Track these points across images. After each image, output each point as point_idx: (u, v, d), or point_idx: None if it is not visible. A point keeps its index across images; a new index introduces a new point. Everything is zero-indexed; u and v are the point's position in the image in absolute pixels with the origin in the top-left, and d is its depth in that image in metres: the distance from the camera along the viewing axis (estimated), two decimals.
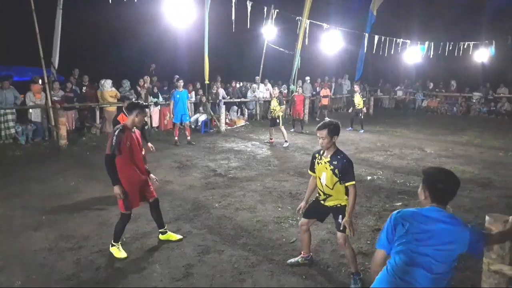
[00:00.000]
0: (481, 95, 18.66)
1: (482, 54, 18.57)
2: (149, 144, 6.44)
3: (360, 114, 13.50)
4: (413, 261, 2.18)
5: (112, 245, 4.35)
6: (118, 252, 4.30)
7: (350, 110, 14.64)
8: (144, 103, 4.69)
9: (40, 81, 10.84)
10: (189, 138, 10.83)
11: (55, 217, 5.42)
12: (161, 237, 4.72)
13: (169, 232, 4.76)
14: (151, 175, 4.59)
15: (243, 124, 14.58)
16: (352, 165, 3.66)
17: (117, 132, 4.12)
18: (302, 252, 4.19)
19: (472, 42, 18.55)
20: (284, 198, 6.35)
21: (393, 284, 2.18)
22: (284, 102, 12.23)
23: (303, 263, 4.14)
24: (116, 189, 4.13)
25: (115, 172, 4.14)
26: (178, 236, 4.74)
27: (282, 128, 10.77)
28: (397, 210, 2.38)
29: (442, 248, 2.18)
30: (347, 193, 3.68)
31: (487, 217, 2.74)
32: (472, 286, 3.66)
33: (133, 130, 4.30)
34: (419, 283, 2.16)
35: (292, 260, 4.19)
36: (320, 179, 3.77)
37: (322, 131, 3.59)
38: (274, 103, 10.98)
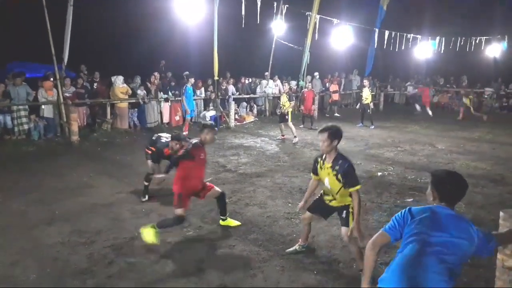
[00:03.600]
0: (493, 90, 18.39)
1: (494, 49, 18.31)
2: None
3: (368, 110, 13.37)
4: (425, 251, 2.20)
5: (153, 227, 4.35)
6: (153, 235, 4.28)
7: (357, 106, 14.52)
8: (213, 123, 5.16)
9: (52, 78, 10.96)
10: (186, 133, 10.91)
11: (68, 211, 5.49)
12: (221, 222, 5.06)
13: (228, 219, 5.08)
14: (206, 181, 4.94)
15: (252, 120, 14.58)
16: (354, 169, 3.63)
17: (194, 142, 4.62)
18: (299, 240, 4.29)
19: (484, 37, 18.29)
20: (294, 194, 6.35)
21: (405, 276, 2.18)
22: (294, 98, 12.18)
23: (300, 251, 4.26)
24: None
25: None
26: (237, 223, 5.07)
27: (291, 124, 10.74)
28: (409, 207, 2.44)
29: (452, 240, 2.21)
30: (352, 196, 3.68)
31: (501, 213, 2.72)
32: (486, 283, 3.63)
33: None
34: (430, 272, 2.16)
35: (291, 249, 4.30)
36: (324, 183, 3.79)
37: (323, 134, 3.60)
38: (284, 99, 10.96)
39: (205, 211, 5.53)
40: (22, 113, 10.05)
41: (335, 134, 3.59)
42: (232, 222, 5.06)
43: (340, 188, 3.65)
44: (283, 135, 11.06)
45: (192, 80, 10.75)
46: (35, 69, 13.16)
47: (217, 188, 4.95)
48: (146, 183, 5.97)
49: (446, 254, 2.18)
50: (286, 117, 10.78)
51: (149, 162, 6.04)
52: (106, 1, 12.38)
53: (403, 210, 2.44)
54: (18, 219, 5.25)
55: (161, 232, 4.41)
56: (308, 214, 4.07)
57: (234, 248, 4.42)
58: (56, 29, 10.13)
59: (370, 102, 13.44)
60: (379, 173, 7.60)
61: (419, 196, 6.21)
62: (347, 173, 3.57)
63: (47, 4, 9.70)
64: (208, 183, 4.89)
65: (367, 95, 13.30)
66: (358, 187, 3.57)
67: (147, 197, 5.96)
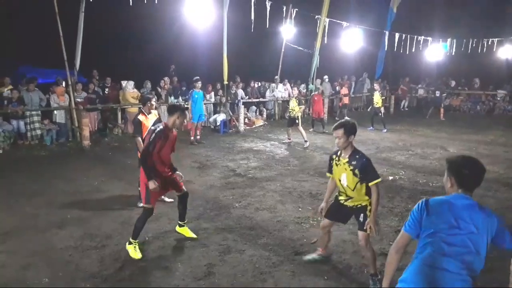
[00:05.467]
0: (505, 92, 18.15)
1: (506, 51, 18.06)
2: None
3: (380, 114, 13.29)
4: (443, 251, 2.16)
5: (130, 243, 4.39)
6: (134, 252, 4.34)
7: (369, 109, 14.43)
8: (184, 106, 5.05)
9: (63, 83, 11.12)
10: (198, 137, 10.97)
11: (80, 215, 5.54)
12: (177, 229, 4.89)
13: (186, 227, 4.87)
14: (177, 172, 4.71)
15: (262, 124, 14.58)
16: (371, 163, 3.59)
17: (157, 130, 4.32)
18: (320, 249, 4.21)
19: (497, 39, 18.05)
20: (304, 198, 6.32)
21: (425, 276, 2.16)
22: (303, 102, 12.14)
23: (320, 260, 4.17)
24: (151, 184, 4.25)
25: (150, 168, 4.29)
26: (193, 235, 4.81)
27: (301, 128, 10.71)
28: (425, 198, 2.36)
29: (471, 236, 2.16)
30: (367, 193, 3.64)
31: None
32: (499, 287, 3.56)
33: (172, 130, 4.55)
34: (450, 273, 2.12)
35: (309, 257, 4.23)
36: (340, 180, 3.74)
37: (338, 130, 3.56)
38: (293, 103, 10.92)
39: (213, 215, 5.53)
40: (35, 118, 10.22)
41: (350, 130, 3.56)
42: (188, 233, 4.82)
43: (357, 184, 3.61)
44: (289, 139, 11.05)
45: (199, 85, 10.78)
46: (48, 75, 13.36)
47: (183, 187, 4.76)
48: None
49: (465, 253, 2.15)
50: (297, 121, 10.75)
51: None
52: (117, 8, 12.51)
53: (420, 203, 2.35)
54: (31, 222, 5.31)
55: (153, 240, 4.40)
56: (326, 221, 3.98)
57: (244, 253, 4.41)
58: (68, 35, 10.30)
59: (382, 106, 13.37)
60: (391, 177, 7.53)
61: None
62: (366, 167, 3.53)
63: (59, 11, 9.86)
64: (175, 174, 4.67)
65: (377, 99, 13.22)
66: (378, 180, 3.54)
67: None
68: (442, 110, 16.53)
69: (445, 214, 2.24)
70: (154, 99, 6.20)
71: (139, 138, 5.70)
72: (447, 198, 2.32)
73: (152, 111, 6.00)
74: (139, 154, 5.52)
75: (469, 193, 2.30)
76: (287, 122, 11.31)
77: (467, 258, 2.15)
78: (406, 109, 19.79)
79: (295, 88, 11.87)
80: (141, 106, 11.71)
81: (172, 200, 5.89)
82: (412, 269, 2.25)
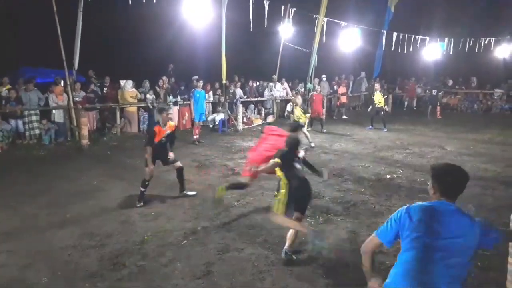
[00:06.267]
0: (502, 91, 18.22)
1: (504, 50, 18.12)
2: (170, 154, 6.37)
3: (382, 112, 13.32)
4: (427, 255, 2.16)
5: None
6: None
7: (369, 109, 14.41)
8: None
9: (62, 83, 11.11)
10: (197, 136, 10.97)
11: (79, 215, 5.56)
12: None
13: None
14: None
15: (260, 123, 14.58)
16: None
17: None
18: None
19: (494, 38, 18.11)
20: None
21: (410, 280, 2.15)
22: (308, 111, 11.98)
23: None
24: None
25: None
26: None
27: (305, 130, 10.38)
28: (407, 205, 2.36)
29: (454, 241, 2.16)
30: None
31: None
32: (497, 287, 3.60)
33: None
34: (435, 278, 2.12)
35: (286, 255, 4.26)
36: None
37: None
38: (298, 113, 10.50)
39: (212, 214, 5.56)
40: (34, 117, 10.22)
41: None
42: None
43: None
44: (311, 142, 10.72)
45: (200, 84, 10.81)
46: (46, 74, 13.36)
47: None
48: (142, 189, 5.99)
49: (451, 257, 2.15)
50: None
51: (147, 168, 5.98)
52: (116, 7, 12.52)
53: (400, 210, 2.36)
54: (30, 222, 5.33)
55: (152, 239, 4.41)
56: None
57: (242, 252, 4.43)
58: (66, 34, 10.29)
59: (384, 105, 13.38)
60: (388, 176, 7.57)
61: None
62: None
63: (58, 10, 9.86)
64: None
65: (379, 99, 13.23)
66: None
67: (142, 202, 5.96)
68: (439, 108, 16.60)
69: (428, 219, 2.24)
70: (170, 110, 6.35)
71: (149, 148, 5.87)
72: (430, 203, 2.33)
73: (168, 122, 6.12)
74: (146, 156, 5.91)
75: (451, 201, 2.31)
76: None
77: (452, 262, 2.14)
78: (415, 108, 19.72)
79: (299, 97, 11.38)
80: (142, 105, 11.90)
81: (195, 192, 6.47)
82: (398, 272, 2.23)
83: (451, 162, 2.53)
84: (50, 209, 5.79)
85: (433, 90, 16.88)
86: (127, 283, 3.84)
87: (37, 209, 5.78)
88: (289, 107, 15.36)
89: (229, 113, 13.46)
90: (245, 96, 14.90)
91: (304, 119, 10.58)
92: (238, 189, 5.84)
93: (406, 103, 20.19)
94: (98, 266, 4.13)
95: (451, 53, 18.97)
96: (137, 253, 4.40)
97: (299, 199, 4.32)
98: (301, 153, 4.58)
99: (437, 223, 2.21)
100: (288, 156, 4.38)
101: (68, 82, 10.57)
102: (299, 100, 10.90)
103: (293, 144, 4.48)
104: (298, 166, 4.45)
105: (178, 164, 6.31)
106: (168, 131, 6.08)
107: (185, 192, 6.38)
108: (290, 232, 4.26)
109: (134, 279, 3.91)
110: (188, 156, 9.28)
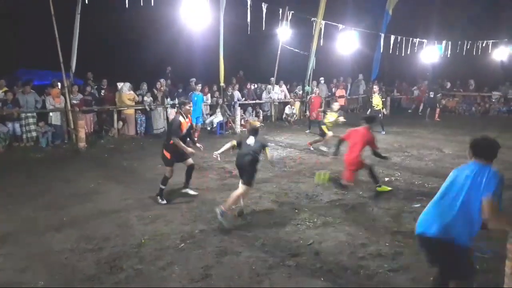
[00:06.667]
0: (500, 94, 18.28)
1: (501, 52, 18.18)
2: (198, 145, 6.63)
3: (380, 115, 13.31)
4: (455, 203, 3.09)
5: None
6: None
7: (368, 112, 14.36)
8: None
9: (59, 85, 11.08)
10: (196, 139, 10.90)
11: (76, 218, 5.53)
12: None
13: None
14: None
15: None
16: None
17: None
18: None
19: (491, 41, 18.18)
20: (301, 199, 6.34)
21: (438, 219, 3.17)
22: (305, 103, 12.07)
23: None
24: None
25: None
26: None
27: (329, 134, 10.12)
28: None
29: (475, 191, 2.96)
30: None
31: None
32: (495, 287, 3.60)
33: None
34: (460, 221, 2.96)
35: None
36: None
37: None
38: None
39: (210, 217, 5.53)
40: (31, 120, 10.18)
41: None
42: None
43: None
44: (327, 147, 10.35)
45: (199, 87, 10.80)
46: (44, 77, 13.33)
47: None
48: (162, 187, 6.11)
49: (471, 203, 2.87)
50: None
51: (168, 168, 6.16)
52: (113, 9, 12.50)
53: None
54: (27, 225, 5.29)
55: (149, 243, 4.40)
56: None
57: (240, 255, 4.42)
58: (64, 37, 10.27)
59: (382, 108, 13.39)
60: (386, 179, 7.57)
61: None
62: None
63: (55, 13, 9.84)
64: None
65: (377, 101, 13.22)
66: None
67: (165, 200, 6.09)
68: (438, 110, 16.59)
69: (460, 177, 3.28)
70: (190, 104, 6.52)
71: (178, 139, 5.98)
72: (467, 164, 3.27)
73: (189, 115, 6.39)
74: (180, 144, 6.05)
75: (480, 160, 3.13)
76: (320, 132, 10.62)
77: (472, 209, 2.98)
78: (420, 113, 19.43)
79: (322, 115, 10.87)
80: (138, 108, 11.87)
81: (196, 193, 6.53)
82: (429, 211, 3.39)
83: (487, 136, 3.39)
84: (47, 212, 5.76)
85: (430, 93, 16.90)
86: (124, 287, 3.81)
87: (34, 212, 5.75)
88: (287, 110, 15.41)
89: (229, 113, 13.45)
90: (243, 99, 14.90)
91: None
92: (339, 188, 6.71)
93: (413, 106, 19.94)
94: (95, 270, 4.10)
95: (448, 55, 19.02)
96: (135, 256, 4.38)
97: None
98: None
99: (466, 179, 3.26)
100: None
101: (66, 85, 10.55)
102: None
103: None
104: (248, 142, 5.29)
105: (190, 161, 6.40)
106: (189, 124, 6.30)
107: (188, 189, 6.46)
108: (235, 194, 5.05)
109: (131, 282, 3.88)
110: None
